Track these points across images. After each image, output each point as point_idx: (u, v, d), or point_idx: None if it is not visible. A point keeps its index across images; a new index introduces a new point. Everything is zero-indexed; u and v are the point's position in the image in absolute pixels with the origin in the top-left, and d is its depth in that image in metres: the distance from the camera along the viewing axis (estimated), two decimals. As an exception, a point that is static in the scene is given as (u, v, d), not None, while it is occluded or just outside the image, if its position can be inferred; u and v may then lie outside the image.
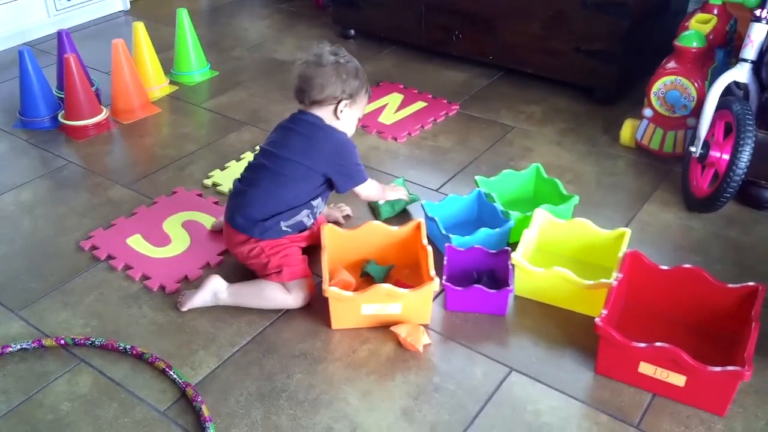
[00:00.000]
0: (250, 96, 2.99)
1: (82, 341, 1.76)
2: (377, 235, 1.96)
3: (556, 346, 1.75)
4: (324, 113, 1.88)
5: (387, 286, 1.72)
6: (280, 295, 1.83)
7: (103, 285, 1.97)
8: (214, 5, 4.03)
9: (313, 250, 2.03)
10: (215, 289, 1.84)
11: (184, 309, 1.86)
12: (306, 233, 1.96)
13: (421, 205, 2.07)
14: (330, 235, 1.92)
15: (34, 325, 1.84)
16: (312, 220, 1.95)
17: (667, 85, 2.35)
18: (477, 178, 2.20)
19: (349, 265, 1.94)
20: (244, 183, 1.91)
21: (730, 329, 1.71)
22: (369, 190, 1.99)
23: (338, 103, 1.87)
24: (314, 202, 1.91)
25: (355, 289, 1.82)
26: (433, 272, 1.77)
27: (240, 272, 1.95)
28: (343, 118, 1.90)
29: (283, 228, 1.87)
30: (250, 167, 1.93)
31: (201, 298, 1.84)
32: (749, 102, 2.15)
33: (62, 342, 1.76)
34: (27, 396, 1.65)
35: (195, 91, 3.05)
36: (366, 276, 1.93)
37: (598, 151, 2.55)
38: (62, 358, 1.74)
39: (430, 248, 1.84)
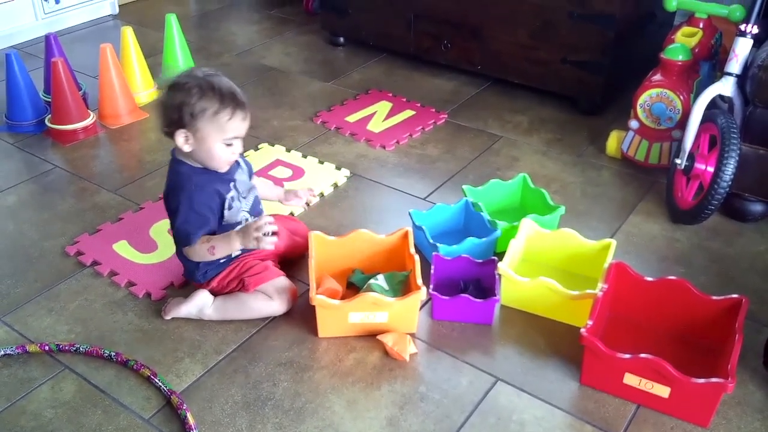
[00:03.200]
0: (239, 102, 2.98)
1: (66, 347, 1.75)
2: (365, 243, 1.96)
3: (541, 356, 1.76)
4: (175, 146, 1.71)
5: (374, 295, 1.72)
6: (263, 304, 1.82)
7: (89, 291, 1.96)
8: (203, 11, 4.03)
9: (299, 259, 2.03)
10: (201, 305, 1.83)
11: (168, 317, 1.85)
12: (267, 251, 1.83)
13: (409, 214, 2.08)
14: (317, 243, 1.92)
15: (19, 331, 1.83)
16: (257, 245, 1.71)
17: (652, 97, 2.37)
18: (464, 187, 2.20)
19: (336, 273, 1.94)
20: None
21: (713, 341, 1.72)
22: (193, 253, 1.74)
23: (173, 133, 1.67)
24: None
25: (342, 298, 1.82)
26: (420, 281, 1.77)
27: (226, 279, 1.94)
28: (194, 149, 1.68)
29: (221, 263, 1.83)
30: None
31: (186, 309, 1.83)
32: (734, 115, 2.17)
33: (46, 348, 1.75)
34: (10, 402, 1.63)
35: (183, 96, 3.04)
36: (352, 286, 1.93)
37: (583, 161, 2.57)
38: (46, 365, 1.73)
39: (417, 257, 1.84)
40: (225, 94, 1.65)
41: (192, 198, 1.70)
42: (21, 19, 3.57)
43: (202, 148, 1.68)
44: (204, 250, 1.73)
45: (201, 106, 1.64)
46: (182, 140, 1.68)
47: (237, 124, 1.68)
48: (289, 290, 1.85)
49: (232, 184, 1.78)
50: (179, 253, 1.84)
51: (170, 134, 1.70)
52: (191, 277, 1.87)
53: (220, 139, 1.67)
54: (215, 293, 1.87)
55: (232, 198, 1.78)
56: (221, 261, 1.83)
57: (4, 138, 2.72)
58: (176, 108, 1.65)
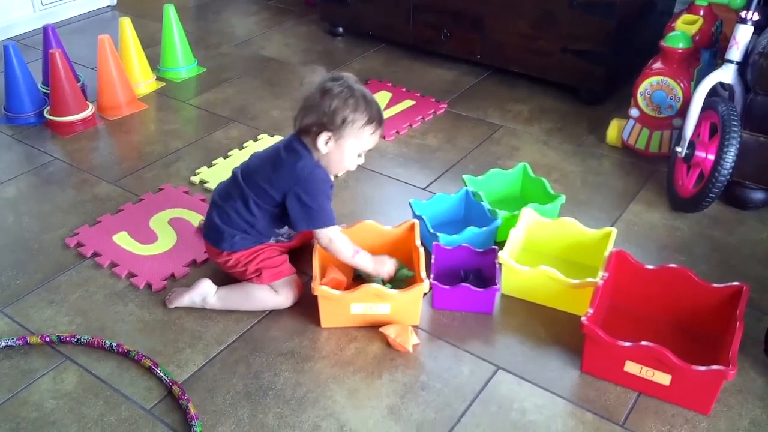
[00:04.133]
0: (237, 93, 2.98)
1: (67, 339, 1.75)
2: (371, 234, 1.96)
3: (542, 345, 1.76)
4: (309, 142, 1.77)
5: (376, 286, 1.72)
6: (268, 296, 1.83)
7: (89, 282, 1.96)
8: (201, 1, 4.02)
9: (304, 248, 2.03)
10: (204, 294, 1.83)
11: (171, 306, 1.85)
12: (290, 242, 1.97)
13: (409, 204, 2.08)
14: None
15: (19, 323, 1.83)
16: (285, 239, 1.93)
17: (653, 85, 2.37)
18: (464, 176, 2.20)
19: (341, 264, 1.93)
20: (216, 196, 1.87)
21: (714, 329, 1.72)
22: (331, 241, 1.78)
23: (319, 134, 1.73)
24: (280, 230, 1.90)
25: (346, 288, 1.82)
26: (424, 274, 1.77)
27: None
28: (329, 151, 1.76)
29: (253, 241, 1.85)
30: (227, 181, 1.88)
31: (189, 298, 1.84)
32: (734, 103, 2.17)
33: (47, 339, 1.75)
34: (12, 393, 1.63)
35: (182, 87, 3.04)
36: (359, 279, 1.92)
37: (584, 150, 2.56)
38: (47, 356, 1.73)
39: (422, 249, 1.84)
40: (374, 109, 1.75)
41: (323, 187, 1.77)
42: (19, 11, 3.56)
43: (339, 153, 1.76)
44: (350, 248, 1.80)
45: (353, 116, 1.72)
46: (324, 141, 1.73)
47: (374, 139, 1.79)
48: (296, 285, 1.85)
49: (330, 187, 1.84)
50: (217, 217, 1.82)
51: (310, 133, 1.74)
52: (217, 241, 1.84)
53: (357, 148, 1.77)
54: (225, 270, 1.87)
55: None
56: (252, 240, 1.83)
57: (2, 130, 2.71)
58: (330, 113, 1.71)
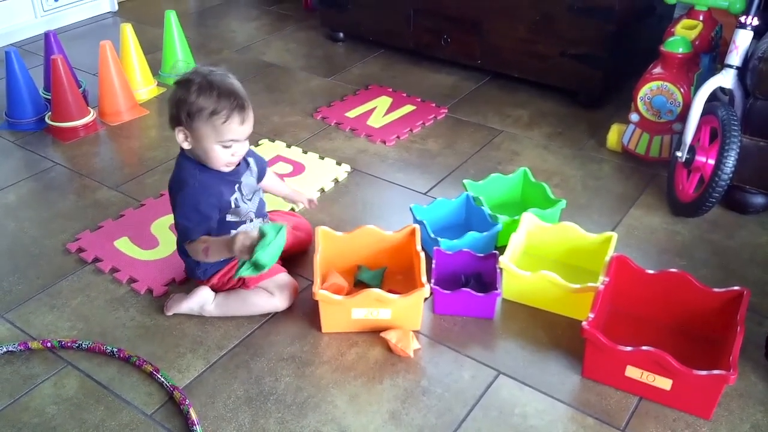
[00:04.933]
0: (239, 98, 2.98)
1: (68, 344, 1.75)
2: (371, 239, 1.96)
3: (543, 350, 1.76)
4: (177, 138, 1.67)
5: (377, 292, 1.72)
6: (264, 300, 1.83)
7: (90, 288, 1.96)
8: (202, 7, 4.03)
9: (305, 254, 2.03)
10: (203, 301, 1.83)
11: (169, 313, 1.85)
12: None
13: (410, 209, 2.08)
14: (323, 238, 1.92)
15: (21, 328, 1.83)
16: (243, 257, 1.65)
17: (653, 90, 2.37)
18: (465, 181, 2.20)
19: (342, 269, 1.94)
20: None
21: (715, 333, 1.72)
22: (190, 250, 1.71)
23: (173, 129, 1.65)
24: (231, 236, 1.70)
25: (348, 293, 1.82)
26: (425, 278, 1.77)
27: (228, 275, 1.95)
28: (192, 147, 1.66)
29: (221, 260, 1.80)
30: None
31: (187, 306, 1.84)
32: (734, 108, 2.17)
33: (49, 345, 1.75)
34: (13, 399, 1.64)
35: (183, 93, 3.04)
36: (361, 284, 1.92)
37: (584, 155, 2.56)
38: (49, 361, 1.73)
39: (423, 254, 1.84)
40: (222, 94, 1.61)
41: (195, 196, 1.67)
42: (20, 17, 3.57)
43: (200, 147, 1.66)
44: (199, 250, 1.68)
45: (198, 105, 1.60)
46: (182, 137, 1.66)
47: (234, 128, 1.63)
48: (290, 286, 1.85)
49: (236, 186, 1.76)
50: (180, 250, 1.84)
51: (173, 129, 1.68)
52: (192, 274, 1.87)
53: (216, 141, 1.64)
54: (216, 290, 1.87)
55: (236, 199, 1.76)
56: (222, 259, 1.81)
57: (4, 136, 2.72)
58: (175, 104, 1.64)
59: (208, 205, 1.69)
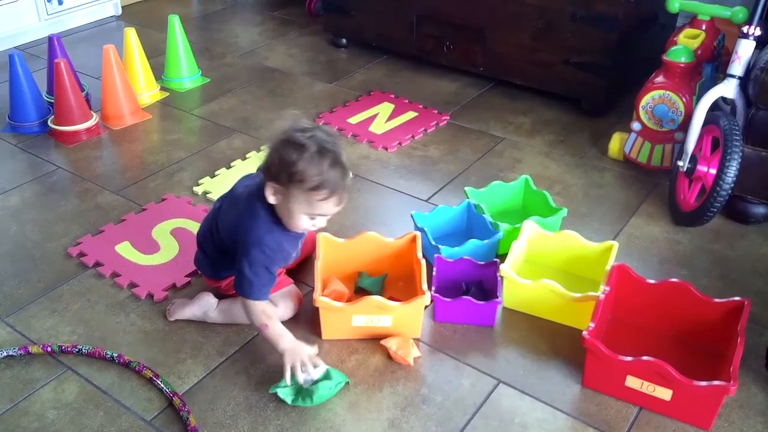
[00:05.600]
0: (241, 103, 2.99)
1: (69, 349, 1.75)
2: (372, 245, 1.96)
3: (543, 359, 1.76)
4: (266, 190, 1.62)
5: (378, 299, 1.72)
6: (269, 309, 1.82)
7: (91, 292, 1.96)
8: (205, 12, 4.03)
9: (306, 260, 2.03)
10: (206, 308, 1.83)
11: (172, 319, 1.85)
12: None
13: (411, 216, 2.08)
14: (325, 245, 1.92)
15: (21, 332, 1.83)
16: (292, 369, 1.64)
17: (655, 99, 2.37)
18: (466, 189, 2.20)
19: (343, 276, 1.94)
20: (200, 238, 1.86)
21: (716, 343, 1.72)
22: (249, 312, 1.66)
23: (266, 183, 1.60)
24: None
25: (348, 300, 1.82)
26: (425, 286, 1.77)
27: (229, 281, 1.95)
28: (278, 204, 1.61)
29: None
30: (206, 225, 1.84)
31: (190, 312, 1.84)
32: (736, 117, 2.17)
33: (49, 349, 1.75)
34: (13, 404, 1.64)
35: (185, 97, 3.05)
36: (361, 291, 1.92)
37: (586, 163, 2.56)
38: (49, 366, 1.73)
39: (424, 261, 1.84)
40: (332, 173, 1.54)
41: (271, 257, 1.64)
42: (24, 20, 3.57)
43: (285, 208, 1.61)
44: (261, 320, 1.65)
45: (302, 175, 1.53)
46: (271, 192, 1.60)
47: (327, 206, 1.60)
48: (295, 296, 1.85)
49: (299, 242, 1.76)
50: (201, 246, 1.84)
51: (265, 180, 1.62)
52: (204, 271, 1.87)
53: (306, 211, 1.60)
54: (222, 293, 1.87)
55: (294, 253, 1.77)
56: None
57: (7, 139, 2.72)
58: (279, 163, 1.55)
59: (277, 266, 1.68)
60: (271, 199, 1.61)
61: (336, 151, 1.56)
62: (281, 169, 1.55)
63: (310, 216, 1.61)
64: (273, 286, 1.71)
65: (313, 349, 1.65)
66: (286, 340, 1.64)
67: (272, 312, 1.69)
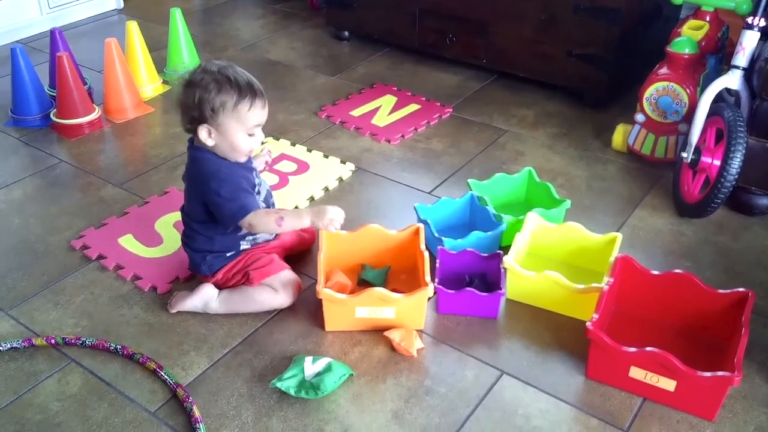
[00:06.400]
0: (243, 96, 2.98)
1: (72, 341, 1.75)
2: (375, 238, 1.96)
3: (547, 350, 1.75)
4: (197, 141, 1.73)
5: (381, 290, 1.72)
6: (268, 297, 1.82)
7: (94, 285, 1.96)
8: (207, 5, 4.03)
9: (308, 251, 2.03)
10: (206, 299, 1.83)
11: (173, 311, 1.85)
12: (274, 243, 1.92)
13: (414, 208, 2.08)
14: (327, 237, 1.92)
15: (25, 324, 1.83)
16: (323, 227, 1.74)
17: (659, 90, 2.37)
18: (470, 181, 2.20)
19: (346, 268, 1.94)
20: (183, 228, 1.90)
21: (719, 335, 1.72)
22: (251, 226, 1.72)
23: (195, 130, 1.69)
24: (240, 233, 1.83)
25: (351, 292, 1.82)
26: (429, 278, 1.77)
27: (232, 273, 1.95)
28: (216, 142, 1.70)
29: (227, 256, 1.85)
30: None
31: (191, 303, 1.84)
32: (740, 109, 2.16)
33: (53, 341, 1.75)
34: (17, 395, 1.64)
35: (188, 90, 3.04)
36: (364, 283, 1.92)
37: (589, 155, 2.56)
38: (52, 358, 1.73)
39: (427, 254, 1.84)
40: (242, 85, 1.66)
41: (232, 176, 1.72)
42: (26, 14, 3.57)
43: (225, 140, 1.70)
44: (272, 221, 1.71)
45: (220, 100, 1.65)
46: (205, 135, 1.69)
47: (257, 113, 1.69)
48: (294, 283, 1.85)
49: (254, 173, 1.82)
50: (186, 244, 1.86)
51: (192, 131, 1.72)
52: (197, 269, 1.88)
53: (242, 130, 1.69)
54: (220, 286, 1.87)
55: (258, 184, 1.82)
56: (228, 254, 1.84)
57: (9, 132, 2.72)
58: (196, 105, 1.66)
59: (247, 183, 1.75)
60: (209, 141, 1.69)
61: (230, 68, 1.68)
62: (202, 108, 1.65)
63: (248, 132, 1.70)
64: (253, 196, 1.74)
65: (334, 207, 1.72)
66: (305, 215, 1.73)
67: (272, 210, 1.78)
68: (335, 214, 1.71)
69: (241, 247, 1.85)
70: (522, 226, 1.97)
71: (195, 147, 1.76)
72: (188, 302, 1.84)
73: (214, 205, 1.73)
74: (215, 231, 1.81)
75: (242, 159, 1.76)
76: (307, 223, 1.73)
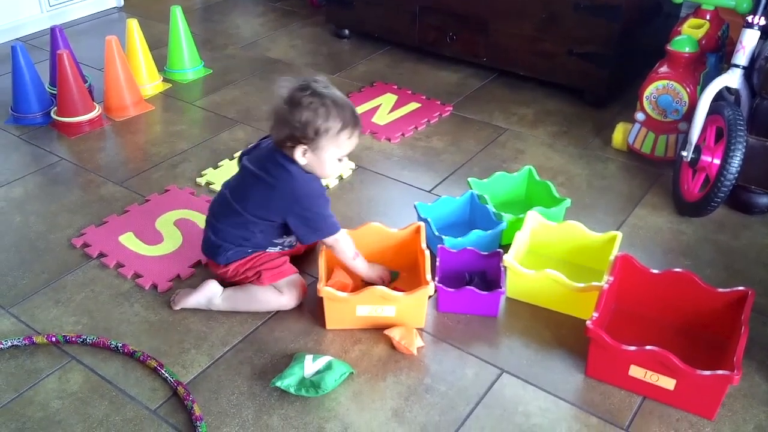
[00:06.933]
0: (244, 94, 2.98)
1: (73, 339, 1.76)
2: (376, 236, 1.96)
3: (547, 348, 1.76)
4: (289, 154, 1.74)
5: (381, 289, 1.72)
6: (273, 297, 1.83)
7: (95, 282, 1.97)
8: (207, 3, 4.03)
9: (309, 250, 2.04)
10: (210, 295, 1.84)
11: (177, 308, 1.85)
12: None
13: (414, 206, 2.08)
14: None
15: (26, 322, 1.83)
16: (288, 248, 1.90)
17: (659, 89, 2.37)
18: (470, 179, 2.20)
19: (346, 266, 1.93)
20: (210, 215, 1.88)
21: (719, 333, 1.72)
22: (337, 242, 1.80)
23: (293, 147, 1.71)
24: (278, 240, 1.86)
25: (352, 290, 1.82)
26: (429, 276, 1.77)
27: (232, 271, 1.95)
28: (308, 162, 1.73)
29: (248, 252, 1.84)
30: (219, 200, 1.87)
31: (195, 300, 1.84)
32: (741, 107, 2.16)
33: (53, 339, 1.76)
34: (17, 393, 1.64)
35: (188, 88, 3.05)
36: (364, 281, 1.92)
37: (589, 153, 2.56)
38: (53, 356, 1.74)
39: (427, 252, 1.84)
40: (347, 113, 1.71)
41: (325, 196, 1.78)
42: (26, 12, 3.57)
43: (319, 162, 1.73)
44: (353, 249, 1.83)
45: (326, 126, 1.68)
46: (300, 153, 1.71)
47: (354, 142, 1.75)
48: (300, 286, 1.86)
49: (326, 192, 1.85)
50: (214, 232, 1.84)
51: (287, 147, 1.72)
52: (213, 256, 1.86)
53: (337, 155, 1.74)
54: (227, 281, 1.87)
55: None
56: (249, 250, 1.83)
57: (10, 130, 2.72)
58: (301, 126, 1.67)
59: (328, 204, 1.81)
60: (301, 159, 1.72)
61: (336, 93, 1.73)
62: (305, 130, 1.68)
63: (339, 158, 1.76)
64: (334, 219, 1.81)
65: (385, 271, 1.91)
66: (372, 269, 1.88)
67: (351, 241, 1.85)
68: (384, 274, 1.90)
69: (268, 250, 1.85)
70: (522, 224, 1.97)
71: (287, 158, 1.73)
72: (192, 299, 1.84)
73: (303, 219, 1.75)
74: (258, 229, 1.80)
75: (326, 179, 1.84)
76: (367, 277, 1.88)
